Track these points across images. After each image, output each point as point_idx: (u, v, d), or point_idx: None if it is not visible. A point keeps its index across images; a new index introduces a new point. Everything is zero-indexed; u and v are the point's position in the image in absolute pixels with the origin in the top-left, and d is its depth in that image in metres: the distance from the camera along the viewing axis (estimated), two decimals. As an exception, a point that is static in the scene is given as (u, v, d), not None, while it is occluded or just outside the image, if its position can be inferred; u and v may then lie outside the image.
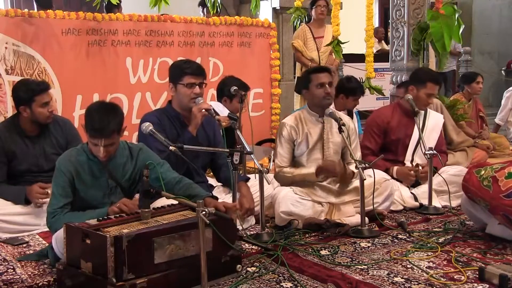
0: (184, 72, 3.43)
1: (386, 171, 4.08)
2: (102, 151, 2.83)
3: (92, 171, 2.94)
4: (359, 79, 5.31)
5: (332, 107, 3.85)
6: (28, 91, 3.59)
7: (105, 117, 2.80)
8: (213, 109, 3.52)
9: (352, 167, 3.70)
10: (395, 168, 4.14)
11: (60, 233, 2.67)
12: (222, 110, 4.28)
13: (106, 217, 2.67)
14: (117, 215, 2.71)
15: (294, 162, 3.77)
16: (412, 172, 4.10)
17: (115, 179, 2.98)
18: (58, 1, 6.69)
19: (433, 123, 4.35)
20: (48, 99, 3.66)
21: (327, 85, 3.65)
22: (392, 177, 4.03)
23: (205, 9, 6.99)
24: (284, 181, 3.72)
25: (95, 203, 2.92)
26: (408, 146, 4.26)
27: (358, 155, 3.80)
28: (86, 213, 2.83)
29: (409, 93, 4.26)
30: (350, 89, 4.82)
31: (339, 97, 4.76)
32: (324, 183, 3.70)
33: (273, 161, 3.75)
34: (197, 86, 3.44)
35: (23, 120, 3.69)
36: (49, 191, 3.31)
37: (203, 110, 3.40)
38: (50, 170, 3.25)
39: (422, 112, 4.29)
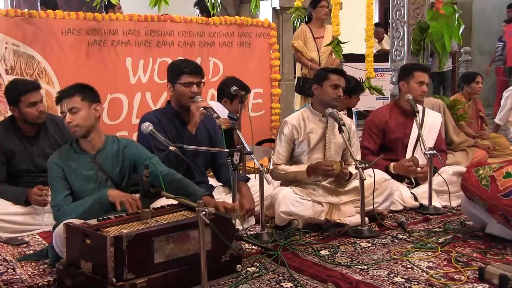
0: (182, 71, 3.44)
1: (386, 170, 4.07)
2: (67, 117, 2.89)
3: (82, 165, 2.97)
4: (359, 79, 5.31)
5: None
6: (14, 91, 3.58)
7: (70, 86, 2.98)
8: (212, 108, 3.52)
9: (351, 168, 3.70)
10: (392, 164, 4.12)
11: (60, 230, 2.68)
12: (222, 111, 4.27)
13: (106, 217, 2.67)
14: (117, 215, 2.71)
15: (295, 161, 3.78)
16: (409, 162, 4.06)
17: (105, 171, 2.99)
18: (58, 1, 6.68)
19: (431, 122, 4.35)
20: (36, 99, 3.62)
21: (340, 89, 3.69)
22: (393, 176, 4.03)
23: (199, 9, 6.91)
24: (278, 177, 3.76)
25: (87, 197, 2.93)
26: (408, 145, 4.26)
27: (358, 157, 3.80)
28: (87, 200, 2.88)
29: (401, 89, 4.31)
30: (352, 89, 4.82)
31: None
32: (324, 183, 3.71)
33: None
34: (195, 85, 3.44)
35: (19, 120, 3.69)
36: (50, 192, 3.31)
37: (202, 108, 3.40)
38: (50, 169, 3.25)
39: (420, 110, 4.29)
